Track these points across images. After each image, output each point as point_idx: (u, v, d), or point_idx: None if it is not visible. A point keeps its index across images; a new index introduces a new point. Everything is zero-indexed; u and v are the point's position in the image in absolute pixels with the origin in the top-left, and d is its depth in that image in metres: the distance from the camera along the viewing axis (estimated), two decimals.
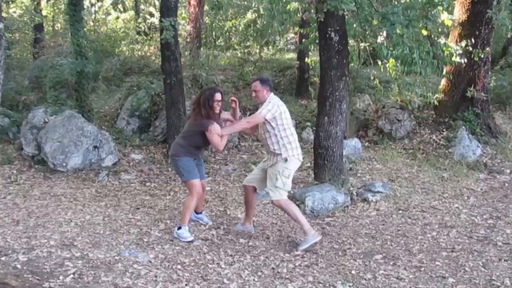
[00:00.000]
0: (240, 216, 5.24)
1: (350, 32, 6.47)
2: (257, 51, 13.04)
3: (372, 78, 9.32)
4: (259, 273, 3.90)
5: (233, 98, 4.65)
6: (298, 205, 5.47)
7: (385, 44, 5.93)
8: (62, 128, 6.83)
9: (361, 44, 9.15)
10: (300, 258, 4.20)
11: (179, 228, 4.54)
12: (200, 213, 4.98)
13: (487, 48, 7.66)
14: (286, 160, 4.33)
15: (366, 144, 7.88)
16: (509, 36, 10.70)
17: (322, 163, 5.96)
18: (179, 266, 3.95)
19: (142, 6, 15.24)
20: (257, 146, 7.91)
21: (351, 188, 5.94)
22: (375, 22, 5.89)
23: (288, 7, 8.09)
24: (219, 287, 3.65)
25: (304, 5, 6.89)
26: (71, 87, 8.32)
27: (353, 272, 3.95)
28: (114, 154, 7.04)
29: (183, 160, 4.50)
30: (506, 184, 6.49)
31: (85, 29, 7.77)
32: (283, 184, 4.35)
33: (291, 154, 4.38)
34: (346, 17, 6.04)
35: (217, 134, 4.31)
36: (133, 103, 8.12)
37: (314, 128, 7.20)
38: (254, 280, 3.78)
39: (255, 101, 4.24)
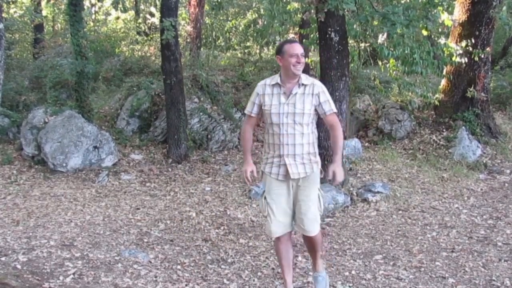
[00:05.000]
0: (240, 216, 5.24)
1: (350, 32, 6.47)
2: (257, 51, 13.04)
3: (372, 78, 9.32)
4: (259, 273, 3.90)
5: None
6: None
7: (385, 44, 5.93)
8: (62, 128, 6.83)
9: (361, 44, 9.15)
10: (300, 259, 4.20)
11: None
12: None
13: (487, 48, 7.67)
14: (321, 171, 3.33)
15: (366, 144, 7.88)
16: None
17: (322, 163, 5.94)
18: (179, 266, 3.96)
19: (142, 6, 15.23)
20: (257, 146, 7.91)
21: (351, 189, 5.94)
22: (375, 22, 5.89)
23: (288, 7, 8.09)
24: (219, 287, 3.65)
25: (304, 5, 6.88)
26: (71, 87, 8.32)
27: (353, 272, 3.95)
28: (114, 154, 7.04)
29: None
30: (506, 184, 6.49)
31: (85, 29, 7.76)
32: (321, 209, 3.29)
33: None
34: (347, 17, 6.04)
35: None
36: (133, 103, 8.12)
37: None
38: (254, 280, 3.78)
39: (295, 72, 3.13)
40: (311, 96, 3.18)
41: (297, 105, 3.15)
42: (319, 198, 3.27)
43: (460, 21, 7.80)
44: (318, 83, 3.24)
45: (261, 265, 4.06)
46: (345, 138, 6.79)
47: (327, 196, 5.47)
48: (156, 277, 3.74)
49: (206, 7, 11.92)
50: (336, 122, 3.25)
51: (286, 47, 3.18)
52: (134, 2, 14.82)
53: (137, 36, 13.14)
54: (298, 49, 3.16)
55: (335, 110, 3.23)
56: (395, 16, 5.07)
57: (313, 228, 3.25)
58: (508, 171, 6.92)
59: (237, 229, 4.91)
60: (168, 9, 7.00)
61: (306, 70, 10.24)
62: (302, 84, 3.19)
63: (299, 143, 3.19)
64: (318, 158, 3.30)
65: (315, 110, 3.22)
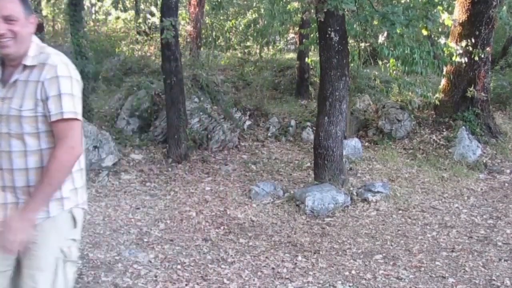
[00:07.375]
0: (240, 216, 5.24)
1: (350, 32, 6.47)
2: (257, 51, 13.05)
3: (372, 78, 9.33)
4: (259, 273, 3.90)
5: None
6: (298, 205, 5.50)
7: (385, 44, 5.94)
8: None
9: (361, 44, 9.16)
10: (300, 258, 4.20)
11: None
12: None
13: (487, 48, 7.67)
14: (73, 217, 1.92)
15: (366, 144, 7.88)
16: None
17: (322, 163, 5.97)
18: (179, 266, 3.96)
19: (142, 6, 15.23)
20: (257, 146, 7.91)
21: (351, 188, 5.94)
22: (375, 22, 5.90)
23: (288, 7, 8.11)
24: (219, 287, 3.65)
25: (304, 5, 6.89)
26: None
27: (353, 272, 3.95)
28: (114, 154, 7.03)
29: None
30: (506, 184, 6.49)
31: (85, 29, 7.76)
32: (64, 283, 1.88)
33: (82, 199, 1.99)
34: (346, 17, 6.05)
35: None
36: (133, 103, 8.12)
37: (314, 128, 7.20)
38: (254, 280, 3.78)
39: (2, 52, 1.83)
40: (36, 84, 1.79)
41: (14, 101, 1.80)
42: (57, 267, 1.83)
43: (460, 21, 7.80)
44: (53, 62, 1.81)
45: (261, 265, 4.06)
46: (345, 138, 6.80)
47: (327, 195, 5.46)
48: (156, 276, 3.74)
49: (206, 7, 11.93)
50: (64, 138, 1.79)
51: None
52: (134, 2, 14.82)
53: (137, 36, 13.15)
54: None
55: (71, 116, 1.79)
56: (394, 16, 5.07)
57: None
58: (508, 171, 6.92)
59: (237, 228, 4.91)
60: (168, 9, 7.00)
61: (306, 70, 10.39)
62: (26, 66, 1.82)
63: (20, 168, 1.82)
64: (68, 192, 1.88)
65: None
